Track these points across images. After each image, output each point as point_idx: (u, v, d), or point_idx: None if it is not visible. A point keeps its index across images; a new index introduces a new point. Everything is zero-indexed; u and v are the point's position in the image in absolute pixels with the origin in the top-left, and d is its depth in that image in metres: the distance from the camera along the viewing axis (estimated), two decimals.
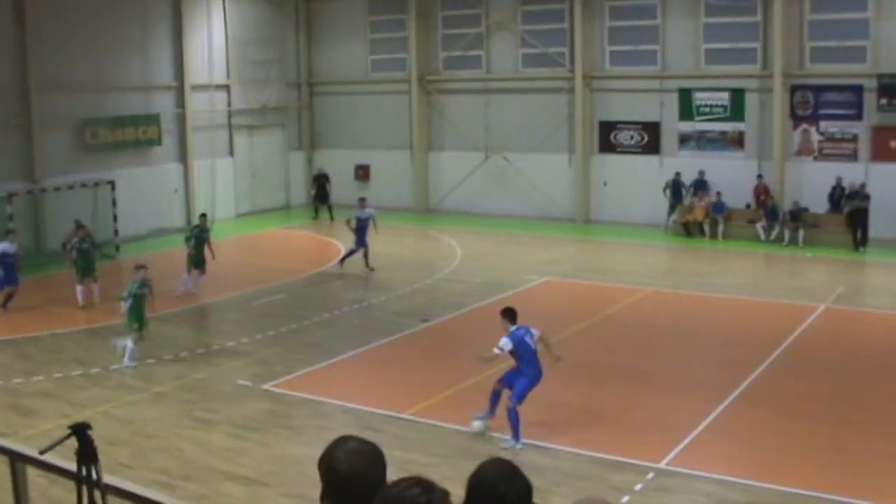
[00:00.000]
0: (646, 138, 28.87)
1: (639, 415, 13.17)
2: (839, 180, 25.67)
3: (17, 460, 4.96)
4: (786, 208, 26.12)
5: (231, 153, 32.00)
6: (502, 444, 11.77)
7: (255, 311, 19.54)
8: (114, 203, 25.68)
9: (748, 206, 27.07)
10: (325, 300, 20.32)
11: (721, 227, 26.75)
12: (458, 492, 2.91)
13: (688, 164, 27.81)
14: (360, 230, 22.49)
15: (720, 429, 12.59)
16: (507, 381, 12.17)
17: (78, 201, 25.10)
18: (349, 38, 33.67)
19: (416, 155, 32.53)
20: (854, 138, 25.91)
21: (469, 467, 3.06)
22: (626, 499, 10.34)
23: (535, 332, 12.17)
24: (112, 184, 25.78)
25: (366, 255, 22.57)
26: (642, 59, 28.63)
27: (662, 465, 11.29)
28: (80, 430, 3.96)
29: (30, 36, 25.15)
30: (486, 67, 31.42)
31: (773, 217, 26.13)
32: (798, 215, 25.75)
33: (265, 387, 14.42)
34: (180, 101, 29.76)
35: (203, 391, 14.30)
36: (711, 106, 27.68)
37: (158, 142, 28.91)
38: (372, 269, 22.53)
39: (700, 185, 27.41)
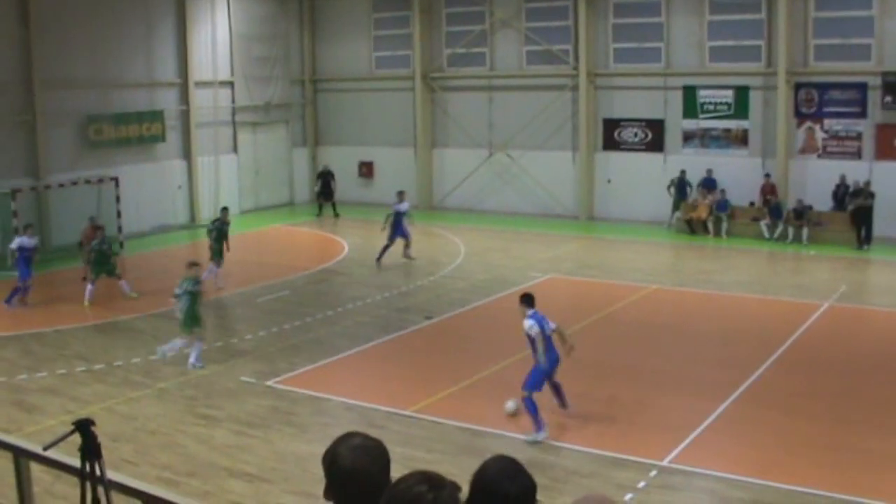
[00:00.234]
0: (650, 136, 28.85)
1: (642, 412, 13.16)
2: (843, 178, 25.65)
3: (21, 456, 4.98)
4: (789, 206, 26.09)
5: (235, 150, 32.01)
6: (526, 438, 11.79)
7: (258, 307, 19.55)
8: (118, 199, 25.69)
9: (752, 204, 27.05)
10: (329, 297, 20.33)
11: (724, 225, 26.74)
12: (461, 489, 2.91)
13: (692, 162, 27.82)
14: (397, 224, 23.07)
15: (723, 427, 12.59)
16: (551, 367, 12.18)
17: (82, 198, 25.16)
18: (353, 35, 33.67)
19: (420, 152, 32.52)
20: (858, 136, 25.86)
21: (472, 464, 3.06)
22: (629, 496, 10.34)
23: (552, 324, 12.27)
24: (116, 180, 25.77)
25: (407, 246, 23.25)
26: (646, 57, 28.61)
27: (665, 462, 11.28)
28: (84, 427, 3.96)
29: (34, 33, 25.18)
30: (489, 64, 31.40)
31: (776, 215, 26.09)
32: (802, 213, 25.71)
33: (269, 383, 14.44)
34: (184, 98, 29.77)
35: (206, 387, 14.31)
36: (715, 103, 27.64)
37: (162, 138, 28.93)
38: (412, 259, 23.22)
39: (708, 184, 27.38)
